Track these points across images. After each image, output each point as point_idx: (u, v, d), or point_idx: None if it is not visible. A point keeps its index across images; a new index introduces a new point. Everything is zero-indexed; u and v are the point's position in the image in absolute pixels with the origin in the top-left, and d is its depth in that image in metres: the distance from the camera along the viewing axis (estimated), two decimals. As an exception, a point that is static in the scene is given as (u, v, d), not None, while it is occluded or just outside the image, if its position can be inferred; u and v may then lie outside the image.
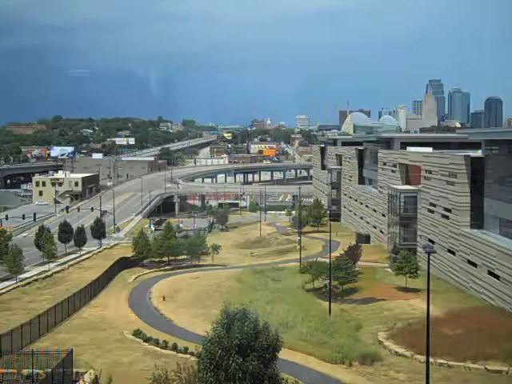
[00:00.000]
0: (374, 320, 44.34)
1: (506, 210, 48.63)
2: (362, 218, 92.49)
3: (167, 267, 72.15)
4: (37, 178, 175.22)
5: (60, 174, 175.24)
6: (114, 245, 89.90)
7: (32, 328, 38.78)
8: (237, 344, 18.46)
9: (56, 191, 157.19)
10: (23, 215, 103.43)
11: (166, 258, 74.59)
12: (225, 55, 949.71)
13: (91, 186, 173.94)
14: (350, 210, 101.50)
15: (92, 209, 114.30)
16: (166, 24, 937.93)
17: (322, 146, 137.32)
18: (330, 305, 47.02)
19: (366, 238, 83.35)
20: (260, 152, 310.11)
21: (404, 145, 79.20)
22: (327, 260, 53.47)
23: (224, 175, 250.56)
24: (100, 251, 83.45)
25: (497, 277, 46.09)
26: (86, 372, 30.71)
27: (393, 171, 76.29)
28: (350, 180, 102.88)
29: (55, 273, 65.92)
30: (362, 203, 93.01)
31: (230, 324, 18.95)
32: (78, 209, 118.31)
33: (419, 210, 64.69)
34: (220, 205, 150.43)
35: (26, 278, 61.49)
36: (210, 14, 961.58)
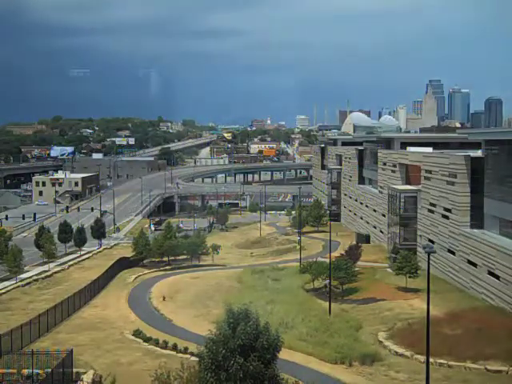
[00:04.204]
0: (374, 320, 44.34)
1: (506, 210, 48.64)
2: (362, 218, 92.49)
3: (167, 267, 72.10)
4: (37, 178, 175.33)
5: (60, 174, 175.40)
6: (114, 245, 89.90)
7: (32, 328, 38.79)
8: (240, 344, 18.47)
9: (56, 191, 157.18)
10: (23, 215, 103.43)
11: (166, 258, 74.56)
12: (224, 55, 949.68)
13: (91, 186, 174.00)
14: (350, 210, 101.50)
15: (92, 209, 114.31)
16: (165, 24, 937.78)
17: (322, 146, 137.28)
18: (330, 305, 47.03)
19: (366, 238, 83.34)
20: (260, 152, 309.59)
21: (404, 145, 79.14)
22: (327, 260, 53.49)
23: (224, 175, 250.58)
24: (100, 251, 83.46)
25: (497, 277, 46.09)
26: (86, 372, 30.75)
27: (393, 171, 76.29)
28: (350, 180, 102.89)
29: (55, 273, 65.94)
30: (362, 203, 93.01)
31: (235, 324, 18.94)
32: (78, 209, 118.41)
33: (419, 210, 64.69)
34: (220, 205, 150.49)
35: (26, 278, 61.47)
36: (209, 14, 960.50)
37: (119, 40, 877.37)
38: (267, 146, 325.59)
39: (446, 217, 57.25)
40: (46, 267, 68.84)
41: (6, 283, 59.57)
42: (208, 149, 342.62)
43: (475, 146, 59.44)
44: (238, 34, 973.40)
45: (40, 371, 28.75)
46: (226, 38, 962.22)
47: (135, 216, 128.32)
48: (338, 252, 66.30)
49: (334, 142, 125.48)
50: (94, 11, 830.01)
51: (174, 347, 37.67)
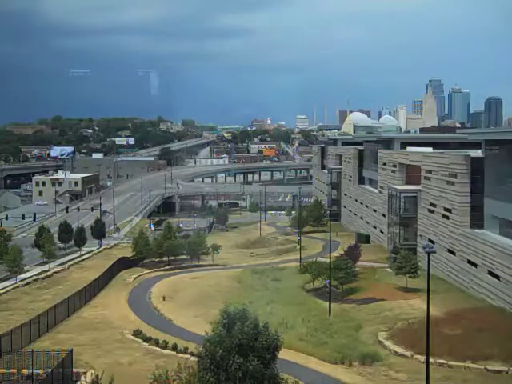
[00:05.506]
0: (374, 320, 44.31)
1: (506, 210, 48.64)
2: (362, 218, 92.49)
3: (167, 267, 72.11)
4: (37, 177, 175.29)
5: (60, 174, 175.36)
6: (114, 245, 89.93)
7: (32, 328, 38.81)
8: (237, 344, 18.46)
9: (56, 191, 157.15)
10: (23, 215, 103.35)
11: (165, 258, 74.58)
12: (225, 56, 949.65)
13: (91, 186, 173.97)
14: (350, 210, 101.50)
15: (92, 209, 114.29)
16: (165, 25, 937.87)
17: (322, 146, 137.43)
18: (330, 305, 47.02)
19: (366, 238, 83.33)
20: (260, 152, 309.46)
21: (404, 145, 79.23)
22: (327, 260, 53.48)
23: (224, 175, 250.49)
24: (100, 251, 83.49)
25: (497, 277, 46.09)
26: (86, 372, 30.75)
27: (393, 171, 76.27)
28: (350, 180, 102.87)
29: (55, 273, 66.01)
30: (362, 203, 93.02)
31: (231, 324, 18.95)
32: (78, 209, 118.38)
33: (419, 210, 64.69)
34: (220, 205, 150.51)
35: (26, 278, 61.52)
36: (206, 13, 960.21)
37: (119, 40, 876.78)
38: (267, 146, 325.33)
39: (446, 217, 57.24)
40: (45, 267, 68.87)
41: (6, 283, 59.61)
42: (208, 149, 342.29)
43: (475, 146, 59.42)
44: (238, 35, 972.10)
45: (40, 371, 28.75)
46: (226, 38, 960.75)
47: (135, 216, 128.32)
48: (338, 252, 66.30)
49: (334, 142, 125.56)
50: (94, 12, 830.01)
51: (174, 347, 37.63)
